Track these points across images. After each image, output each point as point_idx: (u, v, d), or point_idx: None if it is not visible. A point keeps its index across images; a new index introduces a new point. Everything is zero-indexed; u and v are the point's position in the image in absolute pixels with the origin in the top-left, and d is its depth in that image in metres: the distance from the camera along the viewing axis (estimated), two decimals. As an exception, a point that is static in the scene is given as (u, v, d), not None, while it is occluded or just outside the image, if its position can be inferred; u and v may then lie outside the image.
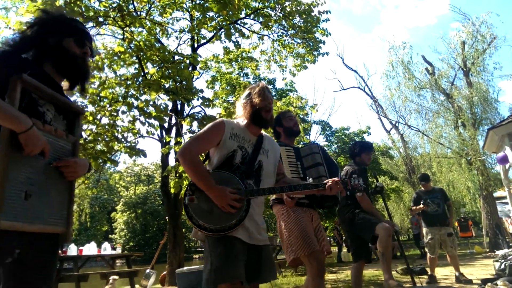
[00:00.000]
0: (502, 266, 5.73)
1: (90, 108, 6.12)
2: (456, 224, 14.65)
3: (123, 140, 6.01)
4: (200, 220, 1.84)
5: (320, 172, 2.91)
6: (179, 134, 7.31)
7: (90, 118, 5.91)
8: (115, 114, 5.98)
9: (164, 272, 8.15)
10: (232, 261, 1.84)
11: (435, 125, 16.99)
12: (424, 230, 6.15)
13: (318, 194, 2.69)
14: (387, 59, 19.19)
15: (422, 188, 6.39)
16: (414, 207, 6.16)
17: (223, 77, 14.22)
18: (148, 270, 7.91)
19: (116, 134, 5.90)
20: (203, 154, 2.19)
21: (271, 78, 19.14)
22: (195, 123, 6.25)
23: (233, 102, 12.48)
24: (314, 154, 3.02)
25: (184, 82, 5.79)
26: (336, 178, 2.08)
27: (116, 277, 5.79)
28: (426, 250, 6.21)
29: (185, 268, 7.05)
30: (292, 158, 2.94)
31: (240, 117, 2.17)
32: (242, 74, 15.60)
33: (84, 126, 6.01)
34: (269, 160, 2.14)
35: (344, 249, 14.60)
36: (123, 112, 5.84)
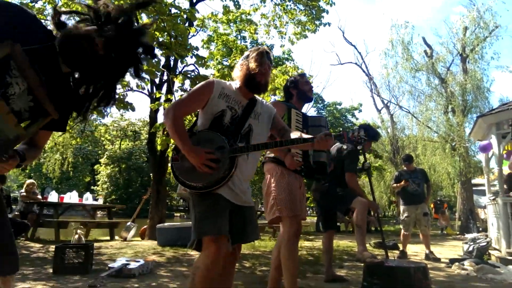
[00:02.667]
0: (470, 249, 5.99)
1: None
2: (432, 205, 15.16)
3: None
4: (183, 178, 1.89)
5: None
6: (170, 91, 7.17)
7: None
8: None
9: (145, 226, 8.26)
10: (216, 215, 1.86)
11: (426, 108, 17.09)
12: (402, 208, 6.34)
13: (313, 165, 2.80)
14: (387, 37, 18.95)
15: (405, 168, 6.53)
16: (396, 184, 6.32)
17: (220, 38, 13.81)
18: (129, 223, 8.01)
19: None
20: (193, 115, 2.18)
21: (269, 45, 18.72)
22: (187, 82, 6.13)
23: (228, 65, 12.24)
24: (321, 127, 2.96)
25: (179, 38, 5.60)
26: (326, 132, 2.01)
27: (82, 230, 5.72)
28: (401, 227, 6.43)
29: (166, 224, 7.16)
30: (299, 124, 2.86)
31: (236, 79, 2.14)
32: (239, 37, 15.19)
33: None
34: (260, 124, 2.11)
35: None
36: (114, 62, 5.64)
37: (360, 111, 24.00)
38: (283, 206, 2.66)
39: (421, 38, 18.33)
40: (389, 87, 20.81)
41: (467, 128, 14.54)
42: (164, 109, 6.85)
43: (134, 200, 29.64)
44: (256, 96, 2.17)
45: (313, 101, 3.96)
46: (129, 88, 6.29)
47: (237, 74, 2.11)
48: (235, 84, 2.12)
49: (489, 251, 6.19)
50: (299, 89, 3.10)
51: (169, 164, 1.97)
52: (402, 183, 6.14)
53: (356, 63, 23.71)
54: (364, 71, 23.26)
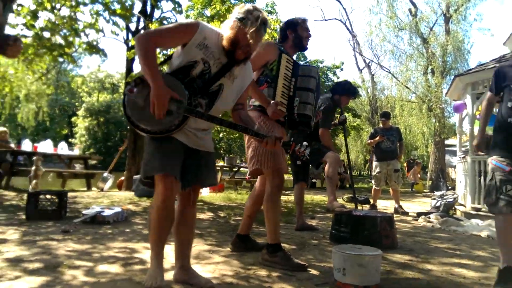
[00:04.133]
0: (438, 204, 6.28)
1: (49, -5, 5.53)
2: (405, 164, 15.67)
3: (83, 34, 5.57)
4: (133, 115, 1.81)
5: (308, 99, 2.67)
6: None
7: (48, 5, 5.36)
8: (75, 5, 5.45)
9: (122, 178, 8.24)
10: (164, 154, 1.83)
11: (406, 68, 17.16)
12: (374, 164, 6.53)
13: (296, 117, 2.64)
14: (374, -8, 18.53)
15: (381, 125, 6.65)
16: (370, 140, 6.47)
17: (201, -14, 13.15)
18: (105, 174, 7.95)
19: (76, 28, 5.43)
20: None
21: (252, -4, 17.95)
22: (164, 29, 5.87)
23: (209, 15, 11.73)
24: (311, 77, 2.72)
25: (156, -19, 5.30)
26: (280, 136, 1.94)
27: (40, 157, 4.98)
28: (373, 181, 6.66)
29: (143, 175, 7.13)
30: (289, 71, 2.69)
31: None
32: (221, -14, 14.51)
33: (41, 14, 5.47)
34: (233, 87, 2.00)
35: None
36: (85, 4, 5.32)
37: (342, 69, 23.91)
38: (264, 158, 2.58)
39: (407, -5, 18.00)
40: (371, 46, 20.78)
41: (444, 89, 14.74)
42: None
43: (113, 153, 29.26)
44: None
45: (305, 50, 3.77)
46: (103, 34, 5.97)
47: (225, 32, 1.89)
48: (221, 36, 1.92)
49: (455, 206, 6.52)
50: (297, 33, 2.85)
51: (123, 93, 1.84)
52: (377, 138, 6.29)
53: (340, 20, 23.32)
54: (348, 29, 22.99)
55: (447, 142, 16.33)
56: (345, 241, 3.24)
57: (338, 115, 4.69)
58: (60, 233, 3.28)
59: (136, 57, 6.97)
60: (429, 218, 5.33)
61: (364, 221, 3.31)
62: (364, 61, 22.73)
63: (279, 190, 2.61)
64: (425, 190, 14.19)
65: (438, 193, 7.50)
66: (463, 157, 6.80)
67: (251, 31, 1.82)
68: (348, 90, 4.37)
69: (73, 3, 5.54)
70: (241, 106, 2.13)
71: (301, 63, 3.15)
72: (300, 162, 3.10)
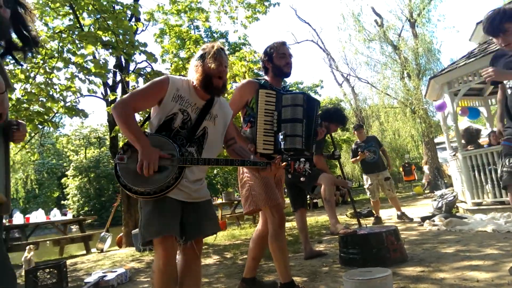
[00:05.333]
0: (439, 205, 6.25)
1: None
2: (401, 169, 15.72)
3: (60, 99, 5.58)
4: (127, 181, 1.80)
5: (296, 131, 2.48)
6: (125, 91, 6.93)
7: (22, 76, 5.39)
8: (50, 71, 5.49)
9: (121, 234, 8.05)
10: (161, 216, 1.82)
11: (383, 76, 17.60)
12: (364, 177, 6.50)
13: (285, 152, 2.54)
14: (338, 11, 19.26)
15: (358, 140, 6.63)
16: (354, 159, 6.45)
17: (172, 30, 13.45)
18: (103, 233, 7.76)
19: (53, 93, 5.45)
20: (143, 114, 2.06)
21: (223, 31, 18.43)
22: (141, 80, 5.94)
23: (184, 57, 11.97)
24: (296, 106, 2.51)
25: (125, 36, 5.39)
26: (278, 158, 1.94)
27: (32, 246, 5.06)
28: (368, 195, 6.60)
29: (141, 228, 6.98)
30: (271, 105, 2.51)
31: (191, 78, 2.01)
32: (192, 27, 14.88)
33: (16, 86, 5.48)
34: (216, 127, 2.04)
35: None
36: (59, 69, 5.37)
37: (322, 87, 24.45)
38: (259, 197, 2.52)
39: (370, 8, 18.73)
40: (346, 60, 21.30)
41: (423, 90, 15.08)
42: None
43: (109, 208, 28.82)
44: None
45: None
46: (80, 94, 5.99)
47: (193, 76, 1.96)
48: (191, 82, 1.99)
49: (457, 204, 6.49)
50: (274, 63, 2.73)
51: (114, 164, 1.86)
52: (360, 155, 6.24)
53: (312, 40, 23.95)
54: (320, 47, 23.57)
55: (436, 140, 16.53)
56: (355, 262, 3.19)
57: (332, 150, 4.71)
58: (63, 307, 3.15)
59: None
60: (434, 221, 5.28)
61: (371, 239, 3.26)
62: (342, 75, 23.26)
63: (281, 227, 2.55)
64: (425, 192, 14.19)
65: (438, 193, 7.47)
66: (454, 155, 6.85)
67: (212, 59, 1.91)
68: (336, 118, 4.38)
69: (48, 69, 5.58)
70: (233, 140, 2.16)
71: (289, 90, 2.97)
72: (304, 179, 2.97)
